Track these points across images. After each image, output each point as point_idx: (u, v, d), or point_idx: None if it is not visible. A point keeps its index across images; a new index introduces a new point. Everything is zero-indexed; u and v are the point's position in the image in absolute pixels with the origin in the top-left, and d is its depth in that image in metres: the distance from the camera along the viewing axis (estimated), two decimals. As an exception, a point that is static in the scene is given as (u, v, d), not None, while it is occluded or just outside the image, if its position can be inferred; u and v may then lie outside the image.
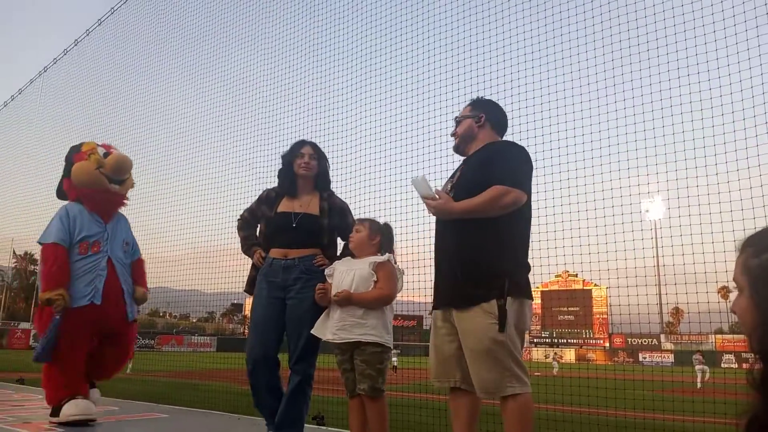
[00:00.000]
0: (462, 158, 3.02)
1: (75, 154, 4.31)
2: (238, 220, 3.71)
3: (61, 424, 3.91)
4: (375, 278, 3.14)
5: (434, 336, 2.83)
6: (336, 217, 3.45)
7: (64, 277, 3.98)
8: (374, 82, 9.18)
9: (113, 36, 13.02)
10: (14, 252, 48.65)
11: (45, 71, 14.80)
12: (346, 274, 3.18)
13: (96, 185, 4.23)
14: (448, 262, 2.74)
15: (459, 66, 8.05)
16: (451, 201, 2.67)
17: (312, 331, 3.19)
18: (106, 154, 4.29)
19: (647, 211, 32.44)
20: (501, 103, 3.06)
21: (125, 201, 4.46)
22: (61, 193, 4.44)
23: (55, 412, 3.99)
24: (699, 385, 17.29)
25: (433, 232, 2.94)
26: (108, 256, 4.19)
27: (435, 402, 6.60)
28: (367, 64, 9.16)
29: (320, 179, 3.53)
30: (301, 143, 3.58)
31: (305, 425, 3.57)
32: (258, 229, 3.65)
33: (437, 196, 2.70)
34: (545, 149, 7.01)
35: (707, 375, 18.38)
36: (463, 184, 2.77)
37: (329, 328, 3.15)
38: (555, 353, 36.79)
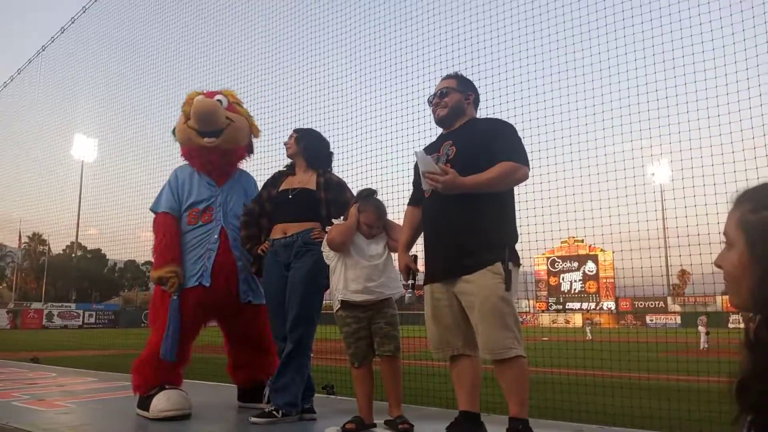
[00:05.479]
0: (441, 130, 3.08)
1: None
2: (242, 216, 3.66)
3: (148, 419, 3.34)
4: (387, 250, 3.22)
5: (432, 308, 2.88)
6: (333, 192, 3.49)
7: (176, 251, 3.52)
8: (369, 57, 9.09)
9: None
10: (20, 233, 48.87)
11: (43, 50, 14.72)
12: (373, 244, 3.19)
13: (187, 142, 3.68)
14: (451, 235, 2.79)
15: (460, 33, 7.95)
16: (459, 176, 2.71)
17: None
18: None
19: (653, 174, 32.20)
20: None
21: (244, 155, 3.84)
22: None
23: (143, 404, 3.44)
24: (702, 346, 17.45)
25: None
26: (221, 226, 3.63)
27: (439, 369, 6.69)
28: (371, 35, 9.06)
29: (308, 157, 3.56)
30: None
31: (315, 394, 3.66)
32: (260, 226, 3.60)
33: (444, 171, 2.72)
34: (552, 113, 6.98)
35: (704, 337, 18.63)
36: (465, 160, 2.80)
37: (359, 290, 3.10)
38: (592, 320, 36.50)
